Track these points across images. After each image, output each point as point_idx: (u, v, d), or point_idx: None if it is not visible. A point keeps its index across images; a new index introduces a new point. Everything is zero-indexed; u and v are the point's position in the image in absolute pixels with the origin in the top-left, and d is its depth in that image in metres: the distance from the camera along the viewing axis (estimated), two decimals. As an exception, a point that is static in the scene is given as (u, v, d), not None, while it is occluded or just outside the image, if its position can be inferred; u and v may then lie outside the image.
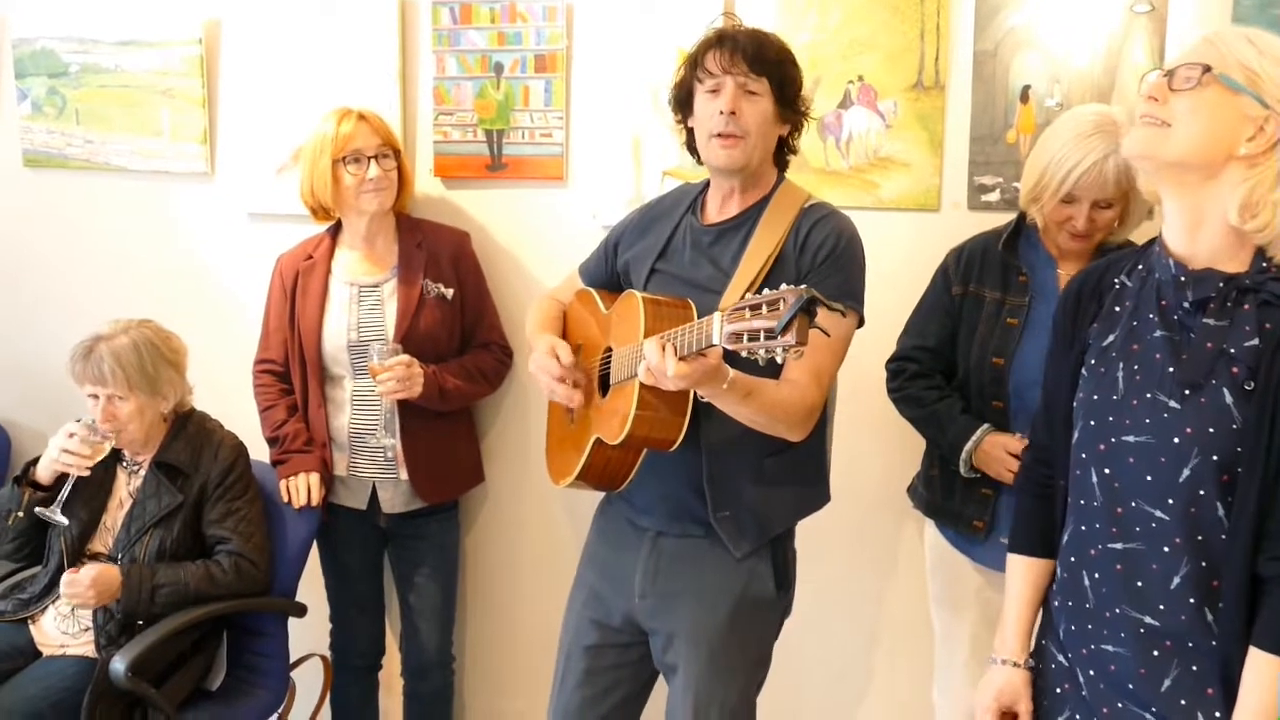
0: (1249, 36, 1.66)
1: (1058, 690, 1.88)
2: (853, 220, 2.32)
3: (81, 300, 3.71)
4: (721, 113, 2.23)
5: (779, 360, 1.76)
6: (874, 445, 2.97)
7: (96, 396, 2.87)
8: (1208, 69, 1.64)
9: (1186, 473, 1.68)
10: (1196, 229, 1.71)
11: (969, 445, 2.54)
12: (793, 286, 1.72)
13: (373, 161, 2.96)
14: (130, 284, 3.66)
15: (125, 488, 2.94)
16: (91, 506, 2.91)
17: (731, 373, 2.01)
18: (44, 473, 2.84)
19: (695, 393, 2.14)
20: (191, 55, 3.48)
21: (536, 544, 3.43)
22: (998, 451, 2.50)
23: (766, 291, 1.77)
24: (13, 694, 2.69)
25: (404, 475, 3.05)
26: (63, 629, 2.84)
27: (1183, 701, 1.72)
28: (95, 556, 2.87)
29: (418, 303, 3.02)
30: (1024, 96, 2.83)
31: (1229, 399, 1.65)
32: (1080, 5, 2.76)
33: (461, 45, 3.24)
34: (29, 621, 2.88)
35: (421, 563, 3.19)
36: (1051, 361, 1.94)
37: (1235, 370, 1.65)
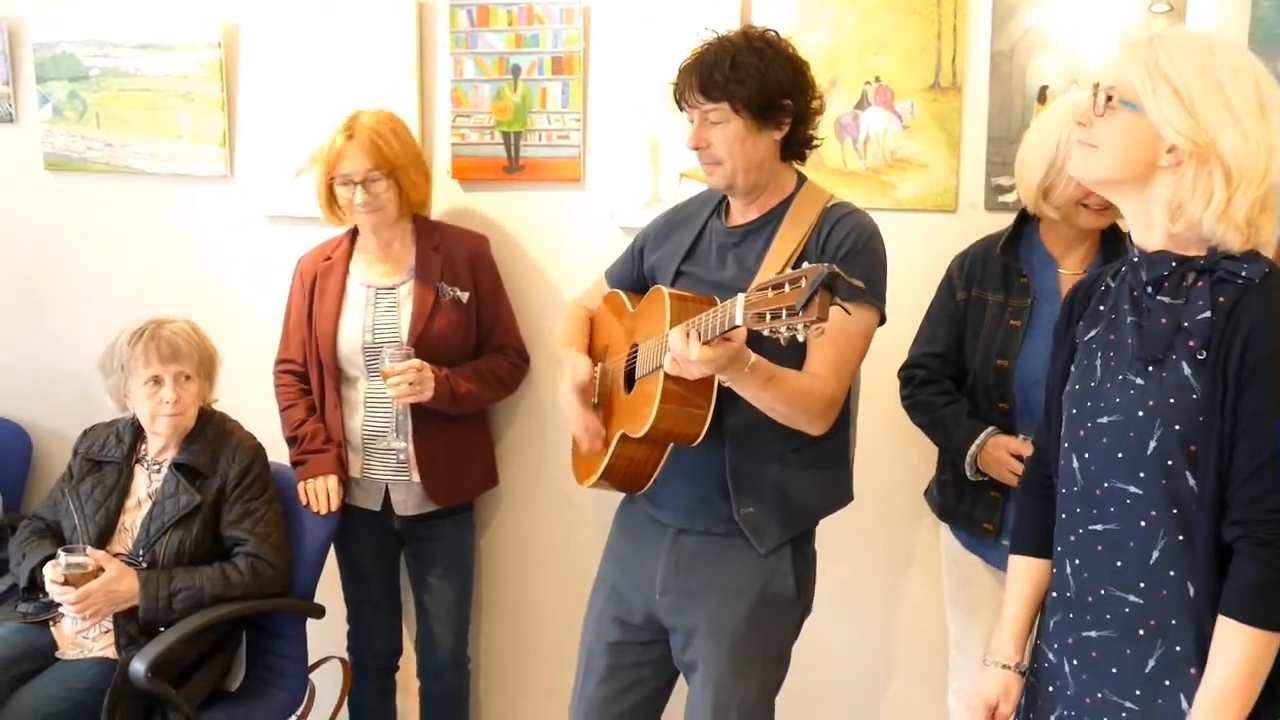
0: (1157, 45, 1.71)
1: (1050, 689, 1.90)
2: (875, 220, 2.33)
3: (101, 302, 3.72)
4: (690, 149, 2.29)
5: (800, 338, 1.77)
6: (892, 446, 2.96)
7: (159, 381, 2.89)
8: (1110, 97, 1.73)
9: (1153, 444, 1.72)
10: (1148, 228, 1.78)
11: (973, 448, 2.54)
12: (813, 265, 1.75)
13: (359, 187, 2.95)
14: (150, 286, 3.67)
15: (144, 488, 2.95)
16: (107, 508, 2.92)
17: (753, 357, 2.03)
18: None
19: (718, 387, 2.17)
20: (211, 59, 3.50)
21: (552, 546, 3.44)
22: (1000, 453, 2.50)
23: (788, 271, 1.80)
24: (34, 695, 2.70)
25: (416, 478, 3.06)
26: (83, 631, 2.85)
27: (1167, 682, 1.74)
28: (115, 557, 2.87)
29: (433, 306, 3.03)
30: (1041, 97, 2.82)
31: (1187, 370, 1.71)
32: (1097, 6, 2.75)
33: (479, 48, 3.25)
34: (50, 623, 2.89)
35: (436, 564, 3.20)
36: (1050, 366, 1.99)
37: (1191, 344, 1.70)
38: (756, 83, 2.22)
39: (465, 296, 3.07)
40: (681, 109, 2.32)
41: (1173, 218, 1.72)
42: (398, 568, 3.29)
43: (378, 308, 3.05)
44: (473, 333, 3.12)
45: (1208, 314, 1.69)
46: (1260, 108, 1.68)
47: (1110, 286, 1.88)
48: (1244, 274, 1.68)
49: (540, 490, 3.41)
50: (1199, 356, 1.69)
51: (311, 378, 3.12)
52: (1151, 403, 1.72)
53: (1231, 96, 1.67)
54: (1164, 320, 1.73)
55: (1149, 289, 1.77)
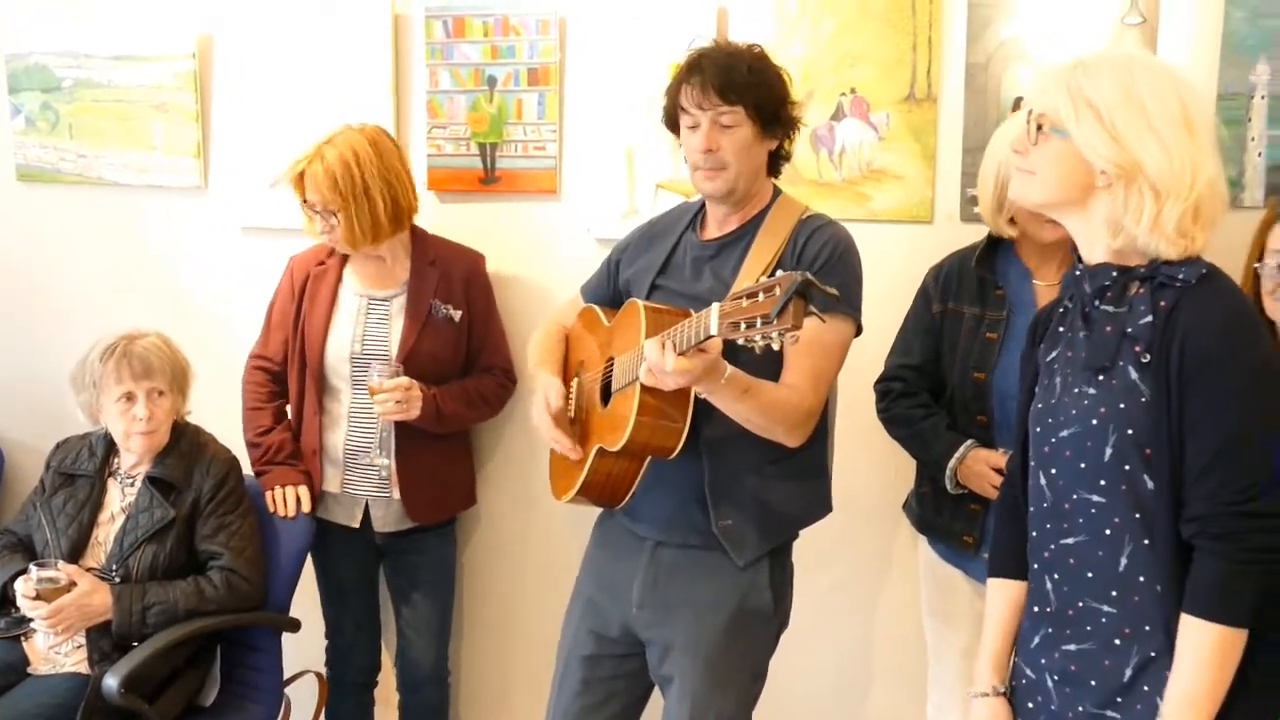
0: (1079, 71, 1.77)
1: (1029, 705, 1.91)
2: (850, 231, 2.33)
3: (74, 314, 3.70)
4: (699, 151, 2.27)
5: (775, 347, 1.77)
6: (871, 457, 2.96)
7: (131, 397, 2.86)
8: (1040, 126, 1.79)
9: (1109, 451, 1.75)
10: (1091, 244, 1.82)
11: (953, 462, 2.54)
12: (787, 273, 1.75)
13: (318, 216, 2.93)
14: (123, 298, 3.65)
15: (117, 502, 2.93)
16: (80, 522, 2.89)
17: (730, 369, 2.03)
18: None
19: (694, 400, 2.17)
20: (185, 69, 3.48)
21: (535, 562, 3.43)
22: (980, 466, 2.49)
23: (762, 280, 1.80)
24: (5, 710, 2.67)
25: (396, 495, 3.04)
26: (55, 646, 2.82)
27: (1145, 688, 1.75)
28: (88, 572, 2.84)
29: (424, 322, 3.00)
30: (1016, 108, 2.83)
31: (1134, 375, 1.74)
32: (1071, 18, 2.77)
33: (454, 58, 3.24)
34: (22, 638, 2.86)
35: (417, 578, 3.18)
36: (1019, 390, 2.02)
37: (1137, 348, 1.74)
38: (769, 90, 2.26)
39: (458, 315, 3.05)
40: (679, 112, 2.30)
41: (1113, 234, 1.76)
42: (377, 583, 3.27)
43: (369, 319, 3.03)
44: (462, 351, 3.10)
45: (1149, 318, 1.73)
46: (1185, 123, 1.72)
47: (1068, 307, 1.91)
48: (1181, 277, 1.72)
49: (523, 507, 3.40)
50: (1143, 360, 1.72)
51: (291, 382, 3.09)
52: (1103, 409, 1.75)
53: (1154, 115, 1.71)
54: (1109, 329, 1.77)
55: (1095, 300, 1.80)
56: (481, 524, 3.46)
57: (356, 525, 3.07)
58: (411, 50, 3.30)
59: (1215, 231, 1.77)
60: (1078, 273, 1.84)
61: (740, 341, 1.81)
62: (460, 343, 3.08)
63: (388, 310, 3.03)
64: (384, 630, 3.35)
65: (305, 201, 2.93)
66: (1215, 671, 1.67)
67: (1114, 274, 1.78)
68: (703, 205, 2.45)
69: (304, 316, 3.06)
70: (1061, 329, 1.90)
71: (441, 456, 3.12)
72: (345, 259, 3.08)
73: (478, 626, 3.52)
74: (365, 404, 2.96)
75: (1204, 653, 1.67)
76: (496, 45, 3.20)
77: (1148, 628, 1.74)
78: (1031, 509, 1.90)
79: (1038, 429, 1.87)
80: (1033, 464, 1.89)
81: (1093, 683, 1.80)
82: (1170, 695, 1.70)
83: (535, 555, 3.43)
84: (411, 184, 3.00)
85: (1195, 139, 1.71)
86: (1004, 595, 2.01)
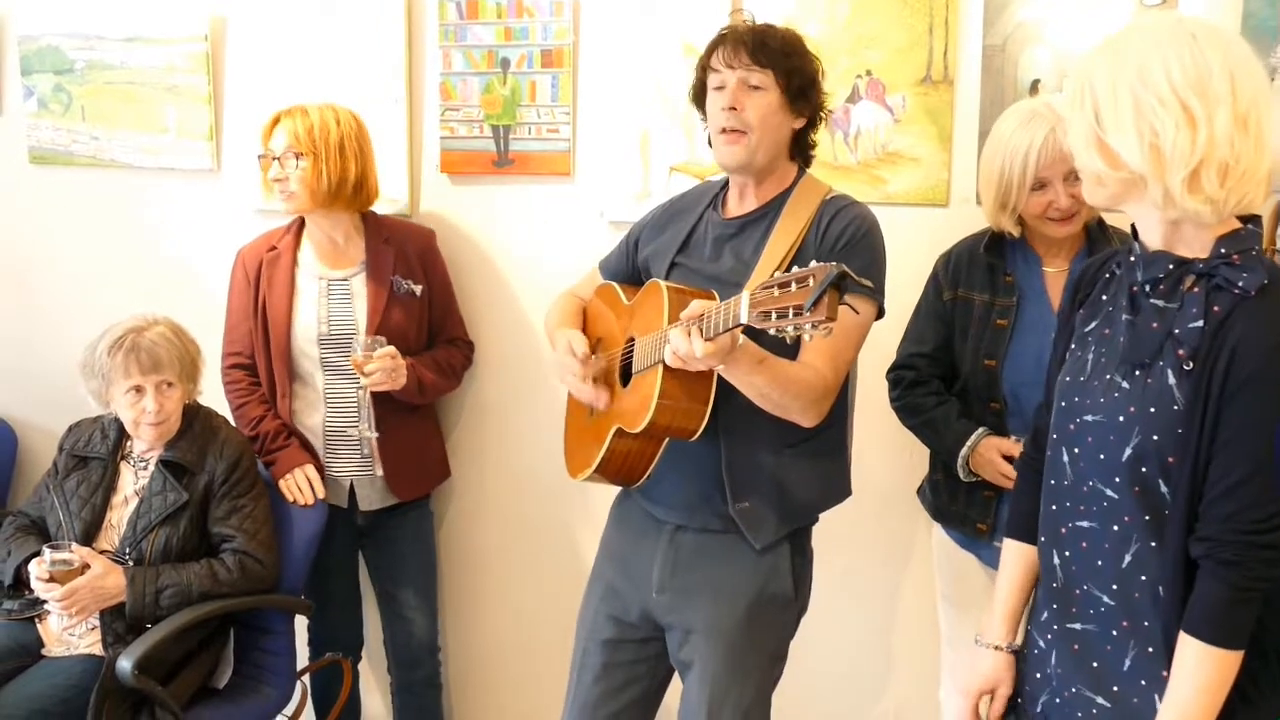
0: (1081, 80, 1.73)
1: (1038, 675, 1.90)
2: (874, 212, 2.32)
3: (87, 297, 3.70)
4: (723, 109, 2.24)
5: (807, 338, 1.76)
6: (886, 443, 2.95)
7: (140, 390, 2.85)
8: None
9: (1129, 451, 1.70)
10: (1149, 229, 1.74)
11: (964, 450, 2.53)
12: (821, 264, 1.72)
13: (276, 161, 2.94)
14: (136, 281, 3.65)
15: (131, 485, 2.93)
16: (93, 504, 2.90)
17: (741, 338, 2.01)
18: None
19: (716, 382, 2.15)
20: (197, 51, 3.47)
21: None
22: (991, 454, 2.49)
23: (795, 269, 1.77)
24: (20, 692, 2.68)
25: (379, 471, 3.06)
26: (69, 628, 2.83)
27: (1143, 682, 1.74)
28: (101, 554, 2.84)
29: (388, 299, 3.02)
30: (1033, 90, 2.81)
31: (1172, 380, 1.68)
32: (1090, -1, 2.75)
33: (468, 40, 3.23)
34: (36, 620, 2.87)
35: (403, 554, 3.21)
36: (1053, 349, 1.96)
37: (1181, 352, 1.67)
38: (800, 62, 2.26)
39: (419, 290, 3.08)
40: (708, 74, 2.29)
41: (1166, 209, 1.66)
42: (357, 562, 3.29)
43: (331, 299, 3.04)
44: (425, 325, 3.14)
45: (1200, 323, 1.66)
46: (1195, 85, 1.60)
47: (1115, 274, 1.84)
48: (1241, 285, 1.64)
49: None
50: (1185, 367, 1.66)
51: (260, 370, 3.10)
52: (1133, 409, 1.70)
53: (1146, 103, 1.62)
54: (1155, 325, 1.71)
55: (1146, 289, 1.74)
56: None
57: (345, 505, 3.10)
58: (424, 32, 3.29)
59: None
60: (1133, 258, 1.77)
61: (772, 331, 1.79)
62: (423, 316, 3.12)
63: (348, 289, 3.05)
64: (366, 611, 3.37)
65: (266, 152, 2.96)
66: (1210, 692, 1.66)
67: (1170, 266, 1.70)
68: (725, 184, 2.43)
69: (263, 304, 3.06)
70: (1105, 297, 1.84)
71: (416, 429, 3.17)
72: (296, 244, 3.09)
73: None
74: (340, 384, 3.00)
75: (1200, 673, 1.65)
76: (510, 27, 3.19)
77: (1146, 624, 1.73)
78: (1051, 481, 1.85)
79: (1063, 403, 1.83)
80: (1055, 437, 1.85)
81: (1094, 664, 1.79)
82: (1164, 709, 1.68)
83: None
84: (376, 175, 3.06)
85: (1207, 98, 1.60)
86: (1021, 556, 1.99)
